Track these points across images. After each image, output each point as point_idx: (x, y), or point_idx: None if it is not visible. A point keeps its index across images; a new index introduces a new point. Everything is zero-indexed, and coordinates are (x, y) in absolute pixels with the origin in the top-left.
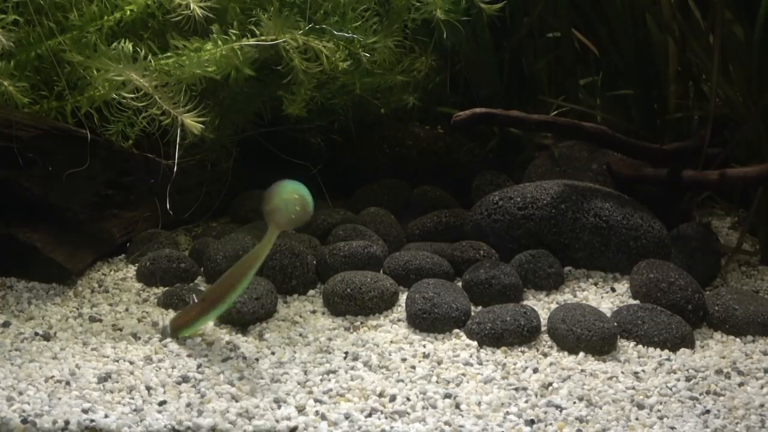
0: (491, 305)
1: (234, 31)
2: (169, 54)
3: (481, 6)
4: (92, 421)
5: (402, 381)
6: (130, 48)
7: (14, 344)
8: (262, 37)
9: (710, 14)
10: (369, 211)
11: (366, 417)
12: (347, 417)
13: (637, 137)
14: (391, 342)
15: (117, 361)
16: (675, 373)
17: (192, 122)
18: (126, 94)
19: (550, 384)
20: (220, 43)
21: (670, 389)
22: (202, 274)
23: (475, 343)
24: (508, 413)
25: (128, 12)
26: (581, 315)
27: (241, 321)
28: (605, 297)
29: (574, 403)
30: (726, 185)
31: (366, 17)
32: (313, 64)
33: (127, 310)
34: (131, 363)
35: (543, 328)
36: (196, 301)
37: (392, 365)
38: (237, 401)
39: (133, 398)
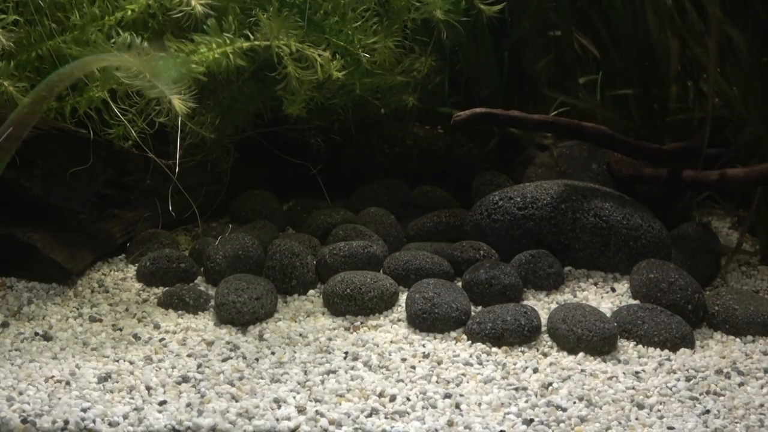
0: (491, 305)
1: (227, 35)
2: (163, 55)
3: (481, 7)
4: (92, 421)
5: (402, 381)
6: (127, 37)
7: (14, 344)
8: (256, 42)
9: (707, 15)
10: (369, 211)
11: (366, 417)
12: (347, 417)
13: (637, 137)
14: (391, 342)
15: (117, 361)
16: (675, 373)
17: (179, 103)
18: (121, 76)
19: (550, 384)
20: (214, 46)
21: (670, 389)
22: (202, 274)
23: (475, 343)
24: (508, 413)
25: (129, 12)
26: (582, 315)
27: (241, 321)
28: (605, 297)
29: (574, 403)
30: (726, 185)
31: (366, 17)
32: (308, 72)
33: (127, 310)
34: (131, 363)
35: (543, 328)
36: None
37: (392, 365)
38: (237, 401)
39: (133, 398)
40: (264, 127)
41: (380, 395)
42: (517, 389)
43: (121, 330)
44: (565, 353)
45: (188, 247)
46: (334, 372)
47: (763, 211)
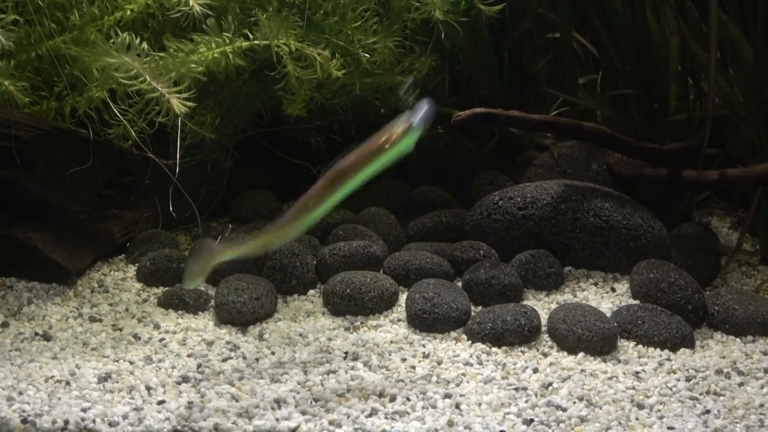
0: (491, 305)
1: (227, 34)
2: (163, 54)
3: (480, 7)
4: (92, 421)
5: (402, 381)
6: (126, 38)
7: (14, 344)
8: (255, 42)
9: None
10: (369, 211)
11: (366, 417)
12: (347, 417)
13: (637, 137)
14: (391, 342)
15: (117, 361)
16: (675, 373)
17: (179, 103)
18: (120, 77)
19: (550, 384)
20: (213, 45)
21: (670, 389)
22: None
23: (475, 343)
24: (508, 413)
25: (128, 12)
26: (582, 315)
27: (241, 321)
28: (605, 297)
29: (574, 403)
30: (726, 185)
31: (366, 17)
32: (307, 71)
33: (127, 310)
34: (131, 363)
35: (543, 328)
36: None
37: (392, 365)
38: (237, 401)
39: (133, 398)
40: (264, 127)
41: (380, 395)
42: (517, 389)
43: (121, 330)
44: (565, 353)
45: (188, 247)
46: (334, 372)
47: (763, 211)
